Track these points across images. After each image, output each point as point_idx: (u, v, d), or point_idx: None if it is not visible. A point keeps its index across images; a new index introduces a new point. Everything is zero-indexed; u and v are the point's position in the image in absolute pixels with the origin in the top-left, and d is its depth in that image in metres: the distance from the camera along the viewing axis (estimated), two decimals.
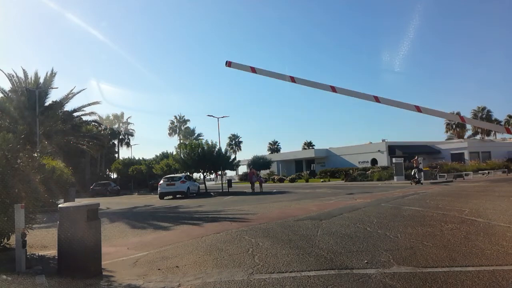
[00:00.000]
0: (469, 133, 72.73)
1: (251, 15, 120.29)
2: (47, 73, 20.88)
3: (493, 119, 71.25)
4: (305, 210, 13.41)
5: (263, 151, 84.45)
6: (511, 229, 7.74)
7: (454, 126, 70.84)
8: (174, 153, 31.99)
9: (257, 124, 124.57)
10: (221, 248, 7.24)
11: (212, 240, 8.20)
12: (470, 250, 6.09)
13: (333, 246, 6.86)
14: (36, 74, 21.45)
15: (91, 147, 25.20)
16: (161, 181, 26.74)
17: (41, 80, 20.89)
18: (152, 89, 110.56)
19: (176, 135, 70.33)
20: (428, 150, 47.81)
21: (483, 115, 70.31)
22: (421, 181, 26.57)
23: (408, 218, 9.95)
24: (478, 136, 69.73)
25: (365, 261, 5.71)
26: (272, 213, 12.91)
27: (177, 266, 6.07)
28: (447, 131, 72.59)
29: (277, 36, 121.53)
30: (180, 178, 26.76)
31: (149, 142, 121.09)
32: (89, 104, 23.46)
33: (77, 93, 22.27)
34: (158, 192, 26.53)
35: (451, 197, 15.44)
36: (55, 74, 21.39)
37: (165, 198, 26.27)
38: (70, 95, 22.51)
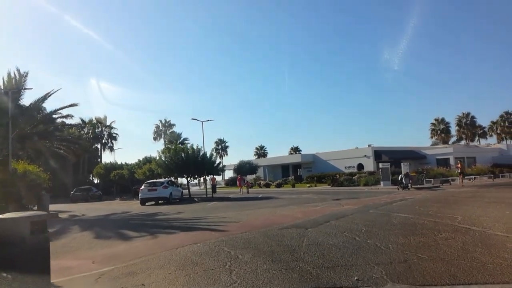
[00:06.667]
0: (453, 139, 73.32)
1: (250, 14, 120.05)
2: (17, 74, 19.88)
3: (477, 125, 72.07)
4: (291, 217, 12.77)
5: (250, 156, 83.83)
6: (510, 239, 7.21)
7: (439, 131, 71.34)
8: (157, 157, 30.97)
9: (244, 129, 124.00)
10: (196, 262, 6.52)
11: (188, 252, 7.46)
12: (471, 264, 5.51)
13: (320, 259, 6.20)
14: (9, 75, 20.37)
15: (68, 151, 24.09)
16: (142, 187, 25.78)
17: (13, 82, 19.80)
18: (137, 93, 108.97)
19: (162, 139, 69.13)
20: (414, 156, 47.74)
21: (468, 121, 71.01)
22: (409, 187, 26.25)
23: (399, 226, 9.38)
24: (463, 142, 70.30)
25: (355, 277, 5.08)
26: (256, 221, 12.22)
27: (143, 284, 5.34)
28: (432, 137, 73.02)
29: (277, 34, 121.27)
30: (162, 183, 25.84)
31: (134, 147, 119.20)
32: (66, 107, 22.44)
33: (51, 94, 21.12)
34: (139, 198, 25.56)
35: (440, 203, 15.01)
36: (27, 74, 20.40)
37: (146, 204, 25.33)
38: (46, 96, 21.43)
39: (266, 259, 6.44)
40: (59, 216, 18.82)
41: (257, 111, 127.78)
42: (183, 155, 28.47)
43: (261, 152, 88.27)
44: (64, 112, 22.82)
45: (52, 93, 22.08)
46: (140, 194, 25.55)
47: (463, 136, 71.65)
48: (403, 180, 26.56)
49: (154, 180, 27.13)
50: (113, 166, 45.85)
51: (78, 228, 12.60)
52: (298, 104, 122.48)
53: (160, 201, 25.70)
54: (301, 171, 56.12)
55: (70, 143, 25.15)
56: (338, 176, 40.62)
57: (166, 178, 29.09)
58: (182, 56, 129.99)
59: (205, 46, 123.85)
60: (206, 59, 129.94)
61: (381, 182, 32.38)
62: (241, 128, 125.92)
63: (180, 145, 36.26)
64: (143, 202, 25.25)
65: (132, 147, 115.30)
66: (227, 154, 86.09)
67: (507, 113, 71.03)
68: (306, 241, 7.84)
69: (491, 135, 74.15)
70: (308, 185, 42.03)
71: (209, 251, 7.36)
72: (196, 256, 6.99)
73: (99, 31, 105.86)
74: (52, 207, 24.17)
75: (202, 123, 37.63)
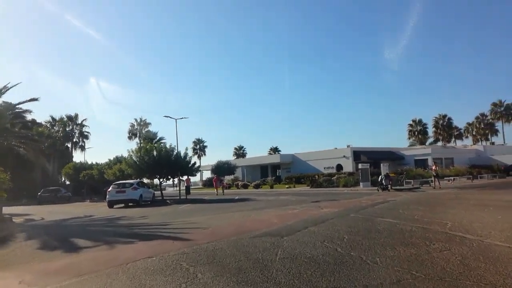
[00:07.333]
0: (430, 140, 73.96)
1: (246, 15, 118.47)
2: None
3: (453, 126, 72.92)
4: (266, 222, 11.66)
5: (229, 156, 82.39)
6: None
7: (416, 133, 71.80)
8: (128, 157, 29.17)
9: (223, 130, 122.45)
10: (145, 283, 5.30)
11: (138, 269, 6.21)
12: (478, 286, 4.50)
13: (295, 279, 5.09)
14: None
15: (28, 149, 22.23)
16: (110, 188, 24.12)
17: None
18: (121, 89, 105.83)
19: (137, 138, 66.98)
20: (392, 156, 47.48)
21: (444, 122, 71.74)
22: (389, 188, 25.59)
23: (385, 233, 8.37)
24: (439, 143, 70.94)
25: None
26: (227, 227, 11.04)
27: None
28: (409, 138, 73.42)
29: (261, 35, 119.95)
30: (131, 184, 24.23)
31: (113, 145, 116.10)
32: (26, 101, 20.58)
33: (9, 88, 19.22)
34: (107, 200, 23.91)
35: (424, 206, 14.21)
36: None
37: (115, 206, 23.72)
38: (3, 91, 19.58)
39: (230, 279, 5.28)
40: (13, 220, 17.17)
41: (237, 111, 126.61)
42: (155, 154, 26.94)
43: (240, 152, 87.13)
44: (24, 107, 21.04)
45: (11, 87, 20.30)
46: (107, 196, 23.90)
47: (440, 137, 72.39)
48: (383, 181, 25.91)
49: (123, 181, 25.49)
50: (83, 166, 43.61)
51: (26, 236, 11.13)
52: (278, 104, 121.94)
53: (130, 204, 24.17)
54: (280, 172, 55.20)
55: (30, 141, 23.25)
56: (317, 177, 39.85)
57: (137, 179, 27.51)
58: (166, 56, 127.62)
59: (192, 47, 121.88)
60: (192, 59, 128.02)
61: (361, 183, 31.71)
62: (221, 128, 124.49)
63: (152, 144, 34.46)
64: (111, 204, 23.63)
65: (111, 145, 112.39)
66: (205, 154, 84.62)
67: (482, 115, 72.21)
68: (280, 254, 6.73)
69: (466, 137, 75.36)
70: (287, 186, 41.12)
71: (164, 268, 6.14)
72: (147, 275, 5.77)
73: (90, 26, 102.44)
74: (11, 210, 22.40)
75: (176, 121, 36.15)
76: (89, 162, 46.21)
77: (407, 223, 9.73)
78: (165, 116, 35.79)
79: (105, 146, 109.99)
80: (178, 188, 33.49)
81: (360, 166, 33.16)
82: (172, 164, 27.60)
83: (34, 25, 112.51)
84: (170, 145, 29.93)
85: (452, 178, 32.71)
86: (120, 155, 35.60)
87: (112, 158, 37.88)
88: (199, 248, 7.59)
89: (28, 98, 20.72)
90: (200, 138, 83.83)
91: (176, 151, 29.37)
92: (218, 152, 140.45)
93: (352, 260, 6.05)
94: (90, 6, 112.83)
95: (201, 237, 9.09)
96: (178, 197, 29.14)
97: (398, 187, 27.92)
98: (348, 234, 8.42)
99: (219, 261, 6.39)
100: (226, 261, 6.39)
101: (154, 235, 10.16)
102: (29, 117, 33.85)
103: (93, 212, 20.95)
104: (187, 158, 29.53)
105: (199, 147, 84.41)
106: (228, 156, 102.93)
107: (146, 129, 66.26)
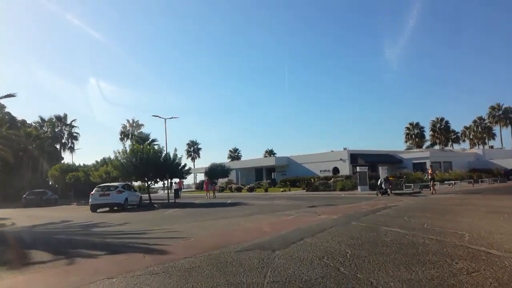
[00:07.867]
0: (427, 143, 73.06)
1: (244, 19, 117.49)
2: None
3: (450, 130, 72.07)
4: (256, 231, 10.38)
5: (224, 159, 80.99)
6: None
7: (413, 136, 70.83)
8: (114, 158, 27.61)
9: (218, 131, 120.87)
10: None
11: None
12: None
13: None
14: None
15: (5, 150, 20.73)
16: (93, 191, 22.68)
17: None
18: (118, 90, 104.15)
19: (129, 140, 65.50)
20: (390, 160, 46.36)
21: (441, 126, 70.87)
22: (388, 192, 24.38)
23: (394, 247, 7.10)
24: (436, 147, 70.03)
25: None
26: (211, 237, 9.72)
27: None
28: (406, 141, 72.41)
29: (272, 37, 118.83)
30: (116, 187, 22.77)
31: (107, 146, 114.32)
32: (0, 97, 19.22)
33: None
34: (89, 203, 22.47)
35: (430, 213, 12.97)
36: None
37: (98, 210, 22.28)
38: None
39: None
40: None
41: (232, 113, 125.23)
42: (143, 156, 25.48)
43: (234, 154, 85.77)
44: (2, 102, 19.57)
45: None
46: (90, 200, 22.46)
47: (437, 140, 71.49)
48: (383, 185, 24.70)
49: (107, 184, 24.03)
50: (70, 168, 42.02)
51: None
52: (274, 106, 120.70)
53: (115, 208, 22.73)
54: (275, 175, 53.94)
55: (9, 141, 21.77)
56: (313, 180, 38.59)
57: (123, 182, 26.05)
58: (165, 56, 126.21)
59: (191, 48, 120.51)
60: (191, 60, 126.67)
61: (358, 187, 30.55)
62: (215, 130, 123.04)
63: (144, 145, 33.08)
64: (94, 208, 22.17)
65: (109, 146, 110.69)
66: (199, 157, 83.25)
67: (480, 118, 71.40)
68: (270, 275, 5.42)
69: (464, 140, 74.53)
70: (281, 189, 39.85)
71: None
72: None
73: (90, 26, 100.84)
74: None
75: (165, 121, 34.74)
76: (82, 164, 44.59)
77: (418, 234, 8.46)
78: (153, 116, 34.41)
79: (104, 146, 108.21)
80: (167, 191, 32.06)
81: (358, 169, 32.05)
82: (160, 166, 26.18)
83: (34, 24, 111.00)
84: (159, 146, 28.61)
85: (453, 182, 31.54)
86: (107, 157, 34.10)
87: (99, 160, 36.40)
88: (171, 266, 6.26)
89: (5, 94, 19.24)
90: (195, 140, 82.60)
91: (165, 152, 27.99)
92: (213, 154, 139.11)
93: (360, 286, 4.78)
94: (90, 6, 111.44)
95: (179, 250, 7.76)
96: (167, 201, 27.74)
97: (397, 192, 26.75)
98: (351, 248, 7.15)
99: (192, 287, 5.08)
100: (201, 286, 5.08)
101: (126, 247, 8.80)
102: (19, 117, 32.26)
103: (73, 216, 19.51)
104: (177, 160, 28.11)
105: (193, 149, 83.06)
106: (222, 158, 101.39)
107: (139, 131, 64.87)
